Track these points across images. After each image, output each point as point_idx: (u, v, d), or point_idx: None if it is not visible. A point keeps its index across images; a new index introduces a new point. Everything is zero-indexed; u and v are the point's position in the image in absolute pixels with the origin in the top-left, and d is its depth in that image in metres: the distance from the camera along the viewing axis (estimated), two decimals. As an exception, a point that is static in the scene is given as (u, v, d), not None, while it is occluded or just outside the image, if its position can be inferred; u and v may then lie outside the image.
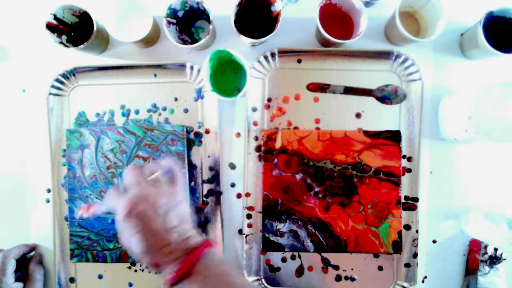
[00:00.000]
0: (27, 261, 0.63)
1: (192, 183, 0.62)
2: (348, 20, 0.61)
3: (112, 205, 0.45)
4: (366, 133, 0.61)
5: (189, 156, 0.62)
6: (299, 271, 0.62)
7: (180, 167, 0.50)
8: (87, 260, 0.62)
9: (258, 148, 0.62)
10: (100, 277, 0.62)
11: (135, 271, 0.62)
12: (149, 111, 0.63)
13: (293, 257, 0.62)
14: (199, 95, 0.63)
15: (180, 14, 0.60)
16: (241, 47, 0.63)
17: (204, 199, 0.62)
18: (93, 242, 0.62)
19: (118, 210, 0.43)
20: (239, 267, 0.62)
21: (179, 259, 0.42)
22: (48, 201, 0.64)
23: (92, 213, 0.50)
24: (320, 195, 0.61)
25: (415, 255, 0.61)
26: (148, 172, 0.47)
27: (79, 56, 0.63)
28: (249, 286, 0.49)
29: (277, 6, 0.57)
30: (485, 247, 0.62)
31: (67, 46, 0.59)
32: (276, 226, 0.61)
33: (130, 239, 0.43)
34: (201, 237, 0.45)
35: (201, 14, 0.61)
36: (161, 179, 0.47)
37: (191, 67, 0.62)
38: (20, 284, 0.59)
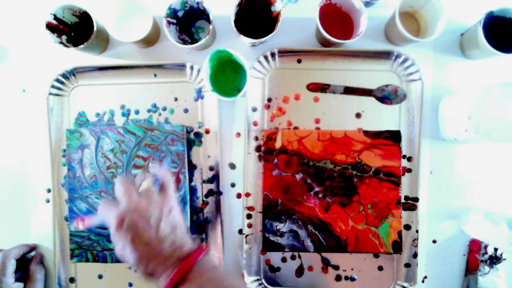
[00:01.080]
0: (27, 261, 0.63)
1: (192, 183, 0.62)
2: (348, 20, 0.61)
3: (103, 218, 0.46)
4: (366, 133, 0.61)
5: (189, 156, 0.62)
6: (299, 271, 0.62)
7: (171, 173, 0.51)
8: (87, 260, 0.62)
9: (258, 148, 0.62)
10: (100, 277, 0.62)
11: (135, 271, 0.62)
12: (149, 111, 0.63)
13: (293, 257, 0.62)
14: (199, 95, 0.63)
15: (180, 14, 0.60)
16: (241, 47, 0.63)
17: (204, 199, 0.62)
18: (93, 242, 0.62)
19: (109, 222, 0.44)
20: (239, 267, 0.62)
21: (173, 267, 0.42)
22: (48, 201, 0.64)
23: (87, 226, 0.50)
24: (320, 195, 0.61)
25: (415, 255, 0.61)
26: (139, 182, 0.48)
27: (79, 56, 0.63)
28: None
29: (277, 6, 0.57)
30: (485, 247, 0.62)
31: (67, 46, 0.59)
32: (276, 226, 0.61)
33: (123, 250, 0.43)
34: (195, 243, 0.46)
35: (201, 14, 0.61)
36: (151, 188, 0.47)
37: (191, 67, 0.62)
38: (21, 284, 0.59)
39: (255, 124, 0.62)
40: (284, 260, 0.62)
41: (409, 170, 0.62)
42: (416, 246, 0.61)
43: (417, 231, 0.61)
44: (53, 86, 0.62)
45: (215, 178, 0.62)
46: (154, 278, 0.43)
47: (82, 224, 0.50)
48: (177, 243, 0.44)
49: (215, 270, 0.44)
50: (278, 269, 0.62)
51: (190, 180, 0.62)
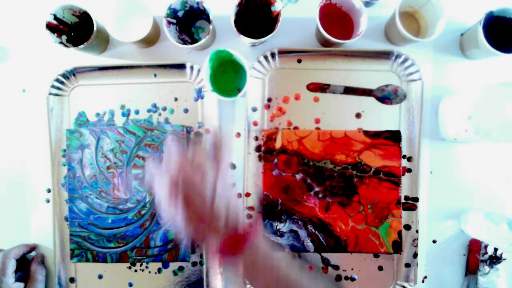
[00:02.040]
0: (27, 261, 0.63)
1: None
2: (348, 20, 0.61)
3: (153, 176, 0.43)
4: (366, 133, 0.61)
5: (189, 156, 0.62)
6: (299, 271, 0.62)
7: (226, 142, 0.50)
8: (87, 260, 0.62)
9: (258, 148, 0.62)
10: (100, 277, 0.62)
11: (135, 271, 0.62)
12: (149, 111, 0.63)
13: (293, 257, 0.62)
14: (199, 95, 0.63)
15: (180, 14, 0.60)
16: (241, 47, 0.63)
17: (204, 199, 0.62)
18: (93, 242, 0.62)
19: (162, 186, 0.42)
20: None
21: (230, 235, 0.42)
22: (48, 201, 0.64)
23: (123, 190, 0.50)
24: (320, 195, 0.61)
25: (415, 255, 0.61)
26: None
27: (79, 56, 0.63)
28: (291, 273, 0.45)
29: (277, 6, 0.57)
30: (485, 247, 0.62)
31: (67, 46, 0.59)
32: (276, 226, 0.61)
33: (175, 219, 0.41)
34: (246, 225, 0.44)
35: (201, 14, 0.61)
36: (204, 161, 0.45)
37: (191, 67, 0.62)
38: (21, 285, 0.59)
39: (255, 124, 0.62)
40: (284, 260, 0.62)
41: (409, 170, 0.62)
42: (416, 246, 0.61)
43: (417, 231, 0.61)
44: (53, 86, 0.62)
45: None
46: (204, 241, 0.43)
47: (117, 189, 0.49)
48: (230, 224, 0.43)
49: (265, 247, 0.44)
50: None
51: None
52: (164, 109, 0.63)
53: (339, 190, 0.61)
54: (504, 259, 0.62)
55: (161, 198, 0.42)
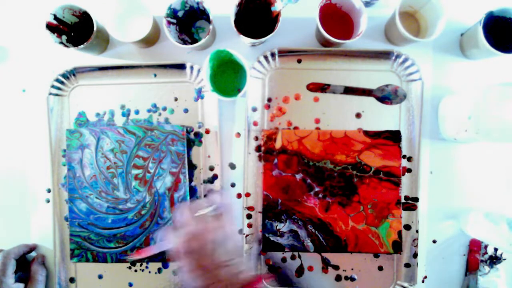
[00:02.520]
0: (27, 262, 0.63)
1: (192, 183, 0.62)
2: (348, 20, 0.61)
3: (168, 245, 0.47)
4: (366, 133, 0.61)
5: (189, 156, 0.62)
6: (299, 271, 0.62)
7: (229, 201, 0.53)
8: (87, 260, 0.62)
9: (258, 148, 0.62)
10: (100, 277, 0.62)
11: (135, 271, 0.62)
12: (149, 111, 0.63)
13: (293, 257, 0.62)
14: (199, 95, 0.63)
15: (180, 14, 0.60)
16: (241, 47, 0.63)
17: (204, 199, 0.62)
18: (93, 242, 0.62)
19: (175, 247, 0.45)
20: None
21: None
22: (48, 201, 0.64)
23: (145, 255, 0.54)
24: (320, 195, 0.61)
25: (415, 255, 0.61)
26: (195, 208, 0.48)
27: (79, 56, 0.63)
28: None
29: (277, 6, 0.57)
30: (485, 247, 0.62)
31: (67, 46, 0.59)
32: (276, 226, 0.61)
33: (188, 275, 0.44)
34: (253, 272, 0.46)
35: (201, 14, 0.61)
36: (208, 214, 0.48)
37: (191, 67, 0.62)
38: (21, 285, 0.59)
39: (255, 124, 0.62)
40: (284, 260, 0.62)
41: (409, 170, 0.62)
42: (416, 246, 0.61)
43: (417, 231, 0.61)
44: (53, 86, 0.62)
45: (215, 178, 0.62)
46: None
47: (139, 255, 0.53)
48: (235, 271, 0.44)
49: None
50: (278, 269, 0.62)
51: (190, 180, 0.62)
52: (164, 109, 0.63)
53: (339, 190, 0.61)
54: (504, 259, 0.62)
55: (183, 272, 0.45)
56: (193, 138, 0.62)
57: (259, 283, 0.44)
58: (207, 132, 0.62)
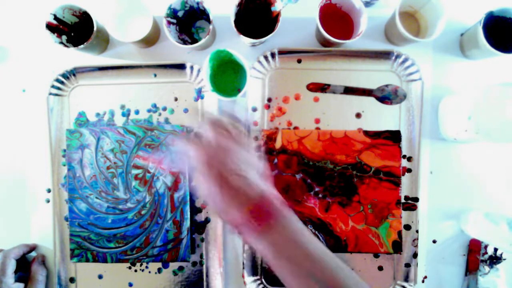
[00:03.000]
0: (27, 262, 0.63)
1: (193, 183, 0.62)
2: (348, 20, 0.61)
3: (184, 150, 0.43)
4: (366, 133, 0.61)
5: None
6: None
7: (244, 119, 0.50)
8: (87, 260, 0.62)
9: (258, 148, 0.62)
10: (100, 277, 0.62)
11: (135, 271, 0.62)
12: (149, 111, 0.63)
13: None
14: (199, 95, 0.63)
15: (180, 14, 0.60)
16: (241, 47, 0.63)
17: (204, 199, 0.62)
18: (93, 242, 0.62)
19: (196, 157, 0.42)
20: (239, 267, 0.62)
21: (253, 204, 0.39)
22: (48, 201, 0.64)
23: (157, 162, 0.51)
24: (320, 195, 0.61)
25: (415, 255, 0.61)
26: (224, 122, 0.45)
27: (79, 56, 0.63)
28: (323, 251, 0.40)
29: (277, 6, 0.57)
30: (485, 247, 0.62)
31: (67, 46, 0.59)
32: (276, 226, 0.61)
33: (209, 191, 0.41)
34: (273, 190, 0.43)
35: (201, 14, 0.61)
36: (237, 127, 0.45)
37: (191, 67, 0.62)
38: (21, 285, 0.59)
39: (255, 124, 0.62)
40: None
41: (409, 170, 0.62)
42: (416, 246, 0.61)
43: (417, 231, 0.61)
44: (53, 86, 0.62)
45: (215, 178, 0.62)
46: (237, 228, 0.40)
47: (153, 161, 0.51)
48: (246, 180, 0.41)
49: (295, 222, 0.40)
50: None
51: (190, 180, 0.62)
52: (164, 109, 0.63)
53: (339, 190, 0.61)
54: (504, 259, 0.62)
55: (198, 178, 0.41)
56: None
57: (283, 202, 0.41)
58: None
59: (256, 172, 0.42)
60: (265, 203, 0.40)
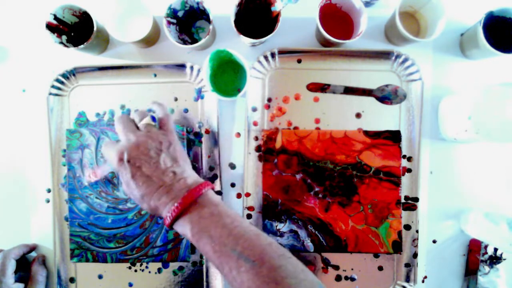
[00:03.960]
0: (27, 262, 0.63)
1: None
2: (348, 20, 0.61)
3: (106, 157, 0.47)
4: (366, 133, 0.61)
5: (189, 156, 0.62)
6: (299, 271, 0.62)
7: (167, 111, 0.52)
8: (87, 260, 0.62)
9: (258, 148, 0.62)
10: (100, 277, 0.62)
11: (135, 271, 0.62)
12: (149, 111, 0.63)
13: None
14: (199, 95, 0.63)
15: (180, 14, 0.60)
16: (241, 47, 0.63)
17: (204, 199, 0.62)
18: (93, 242, 0.62)
19: (111, 160, 0.45)
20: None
21: (177, 199, 0.42)
22: (48, 201, 0.64)
23: (100, 175, 0.54)
24: (320, 195, 0.61)
25: (415, 255, 0.61)
26: (138, 120, 0.49)
27: (79, 56, 0.63)
28: (249, 229, 0.42)
29: (277, 6, 0.57)
30: (485, 247, 0.62)
31: (67, 46, 0.59)
32: (276, 226, 0.61)
33: (128, 187, 0.44)
34: (200, 178, 0.46)
35: (201, 14, 0.61)
36: (151, 123, 0.48)
37: (191, 67, 0.62)
38: (21, 285, 0.59)
39: (255, 124, 0.62)
40: (284, 260, 0.62)
41: (409, 170, 0.62)
42: (416, 246, 0.61)
43: (417, 231, 0.61)
44: (53, 86, 0.62)
45: (215, 178, 0.62)
46: (158, 212, 0.43)
47: (95, 175, 0.54)
48: (179, 175, 0.44)
49: (218, 205, 0.43)
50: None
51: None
52: (164, 109, 0.63)
53: (339, 190, 0.61)
54: (504, 259, 0.62)
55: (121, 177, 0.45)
56: (193, 138, 0.62)
57: (207, 186, 0.44)
58: (207, 132, 0.62)
59: (170, 159, 0.45)
60: (178, 186, 0.43)
